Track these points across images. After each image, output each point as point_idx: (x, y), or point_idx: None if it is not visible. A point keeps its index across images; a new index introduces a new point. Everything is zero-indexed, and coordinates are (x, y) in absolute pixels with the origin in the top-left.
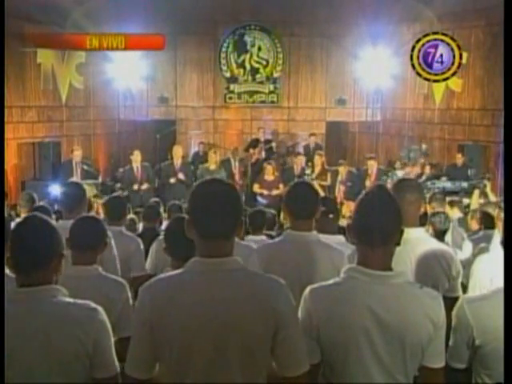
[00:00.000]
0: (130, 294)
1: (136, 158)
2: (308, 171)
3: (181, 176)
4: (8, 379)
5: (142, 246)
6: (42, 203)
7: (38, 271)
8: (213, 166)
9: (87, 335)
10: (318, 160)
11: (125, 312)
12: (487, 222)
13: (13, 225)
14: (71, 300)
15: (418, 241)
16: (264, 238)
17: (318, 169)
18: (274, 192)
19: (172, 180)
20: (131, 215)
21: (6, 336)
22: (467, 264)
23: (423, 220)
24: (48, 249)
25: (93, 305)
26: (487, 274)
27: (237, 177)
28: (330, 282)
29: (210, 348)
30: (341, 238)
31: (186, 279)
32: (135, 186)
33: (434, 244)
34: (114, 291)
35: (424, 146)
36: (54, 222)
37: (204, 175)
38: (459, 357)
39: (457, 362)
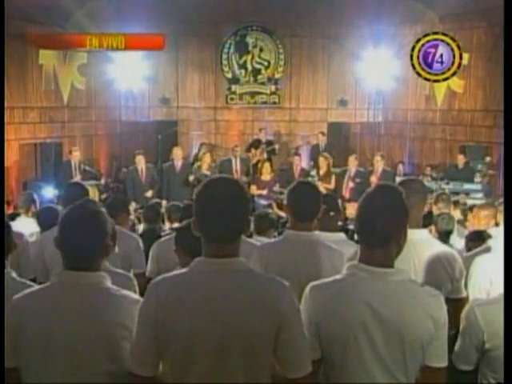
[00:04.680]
0: (137, 288)
1: (139, 162)
2: (313, 172)
3: (148, 194)
4: (49, 361)
5: (141, 244)
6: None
7: (86, 257)
8: (205, 166)
9: (133, 323)
10: (323, 162)
11: None
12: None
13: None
14: (117, 288)
15: (420, 242)
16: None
17: (322, 171)
18: (273, 189)
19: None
20: (131, 217)
21: (50, 316)
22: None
23: (428, 221)
24: (98, 237)
25: (136, 296)
26: (487, 275)
27: (238, 174)
28: (331, 279)
29: (212, 347)
30: (341, 235)
31: (190, 278)
32: (145, 193)
33: (437, 245)
34: (122, 286)
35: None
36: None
37: (199, 177)
38: (467, 359)
39: (464, 364)
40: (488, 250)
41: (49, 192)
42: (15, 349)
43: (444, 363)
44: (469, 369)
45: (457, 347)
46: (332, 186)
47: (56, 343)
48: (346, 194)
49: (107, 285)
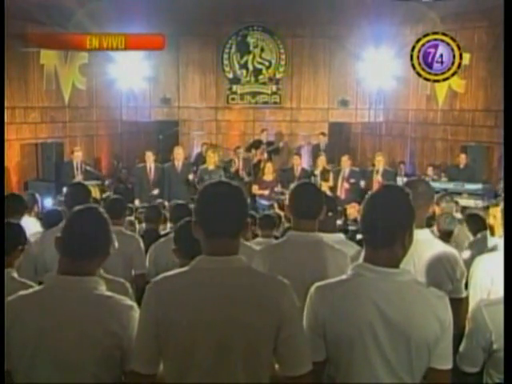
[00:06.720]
0: (131, 294)
1: (148, 159)
2: (316, 172)
3: (155, 192)
4: (38, 366)
5: (142, 244)
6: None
7: (84, 261)
8: (211, 167)
9: (125, 330)
10: (321, 160)
11: None
12: (480, 224)
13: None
14: (110, 294)
15: (423, 242)
16: (273, 239)
17: (320, 168)
18: (275, 190)
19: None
20: (130, 217)
21: (40, 320)
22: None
23: (430, 221)
24: (101, 241)
25: (130, 302)
26: (488, 274)
27: (241, 174)
28: (337, 279)
29: (213, 346)
30: (341, 235)
31: (191, 277)
32: (151, 191)
33: (440, 246)
34: (116, 293)
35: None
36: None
37: (203, 176)
38: (473, 361)
39: (470, 366)
40: (495, 248)
41: (49, 202)
42: (6, 352)
43: (449, 365)
44: (474, 371)
45: (462, 348)
46: (331, 183)
47: (44, 349)
48: (341, 194)
49: (100, 290)
